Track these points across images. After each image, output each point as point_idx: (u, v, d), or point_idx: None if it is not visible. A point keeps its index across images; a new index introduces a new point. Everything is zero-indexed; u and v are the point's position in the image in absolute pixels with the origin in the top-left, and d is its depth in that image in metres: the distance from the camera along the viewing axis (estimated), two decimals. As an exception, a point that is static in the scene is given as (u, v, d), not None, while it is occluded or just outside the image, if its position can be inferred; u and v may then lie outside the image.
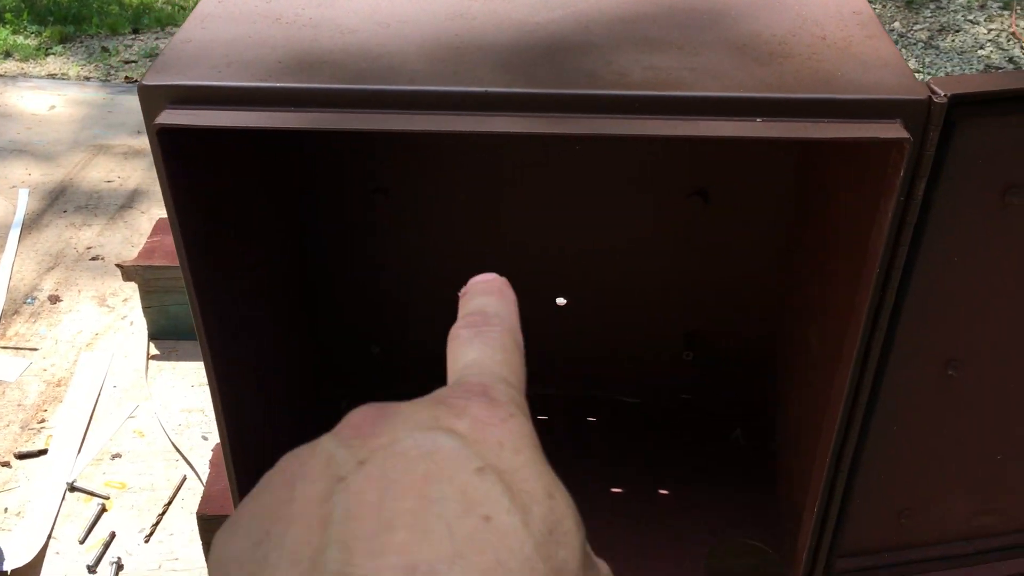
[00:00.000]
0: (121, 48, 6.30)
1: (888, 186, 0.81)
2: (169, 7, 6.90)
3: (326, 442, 0.34)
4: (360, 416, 0.36)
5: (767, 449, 1.31)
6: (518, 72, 0.82)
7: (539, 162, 1.20)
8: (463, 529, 0.30)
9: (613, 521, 1.24)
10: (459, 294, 0.47)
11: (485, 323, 0.43)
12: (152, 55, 6.20)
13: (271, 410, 1.18)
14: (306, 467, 0.33)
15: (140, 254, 1.68)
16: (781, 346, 1.24)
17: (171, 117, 0.79)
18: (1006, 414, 1.05)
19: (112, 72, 3.35)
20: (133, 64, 6.39)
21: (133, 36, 6.56)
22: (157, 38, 6.80)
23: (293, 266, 1.27)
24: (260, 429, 1.10)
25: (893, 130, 0.77)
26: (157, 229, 1.75)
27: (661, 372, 1.36)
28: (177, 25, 6.51)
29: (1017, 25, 3.23)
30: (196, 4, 0.92)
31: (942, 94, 0.78)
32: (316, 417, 1.36)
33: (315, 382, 1.38)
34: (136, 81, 3.81)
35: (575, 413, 1.37)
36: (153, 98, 0.80)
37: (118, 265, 1.67)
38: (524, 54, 0.84)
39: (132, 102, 2.53)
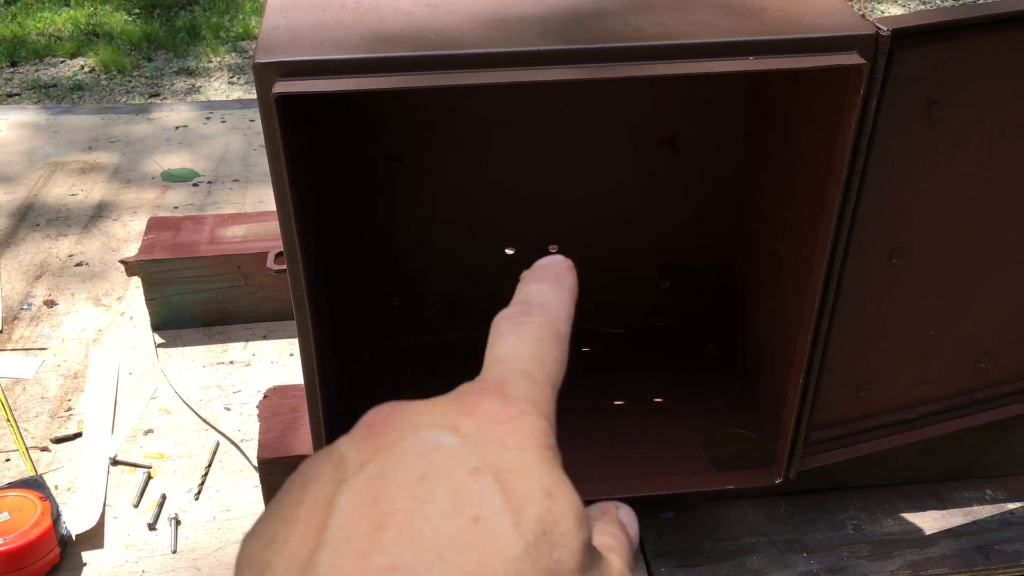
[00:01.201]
0: (1, 82, 6.18)
1: (850, 104, 1.04)
2: (43, 39, 6.79)
3: (340, 444, 0.35)
4: (373, 415, 0.37)
5: (740, 352, 1.54)
6: (557, 34, 1.02)
7: (534, 128, 1.41)
8: (450, 530, 0.30)
9: (613, 428, 1.45)
10: (521, 277, 0.46)
11: (526, 313, 0.43)
12: (35, 86, 6.09)
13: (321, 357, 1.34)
14: (319, 469, 0.34)
15: (141, 250, 1.80)
16: (749, 263, 1.47)
17: (287, 87, 0.96)
18: (938, 295, 1.30)
19: None
20: (17, 97, 6.30)
21: (12, 69, 6.43)
22: (37, 69, 6.68)
23: (331, 228, 1.44)
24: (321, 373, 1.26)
25: (853, 58, 1.01)
26: (151, 227, 1.87)
27: (643, 302, 1.58)
28: (54, 55, 6.40)
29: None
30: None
31: (886, 29, 1.02)
32: (340, 367, 1.52)
33: (339, 333, 1.54)
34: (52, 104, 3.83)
35: (572, 345, 1.57)
36: (267, 73, 0.97)
37: (122, 261, 1.79)
38: (558, 21, 1.04)
39: (73, 120, 2.61)
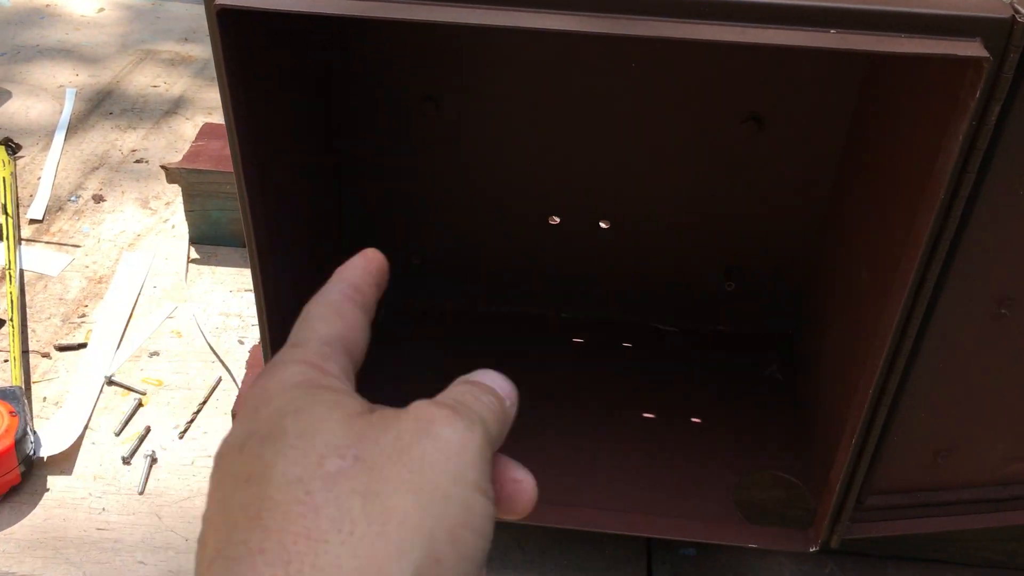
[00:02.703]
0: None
1: (961, 108, 0.78)
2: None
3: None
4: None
5: (801, 382, 1.30)
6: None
7: (591, 81, 1.18)
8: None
9: (642, 447, 1.24)
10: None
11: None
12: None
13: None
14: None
15: (185, 157, 1.68)
16: (826, 277, 1.22)
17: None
18: (1055, 358, 1.03)
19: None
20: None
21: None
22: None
23: (332, 172, 1.26)
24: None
25: (973, 48, 0.75)
26: (202, 134, 1.74)
27: (701, 301, 1.35)
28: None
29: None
30: None
31: (1025, 14, 0.75)
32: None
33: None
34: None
35: (612, 338, 1.36)
36: (213, -22, 0.78)
37: (163, 167, 1.67)
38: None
39: (178, 9, 2.51)
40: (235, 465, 0.37)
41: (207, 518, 0.37)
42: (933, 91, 0.87)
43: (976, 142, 0.82)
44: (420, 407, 0.39)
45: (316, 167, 1.20)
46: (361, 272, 0.46)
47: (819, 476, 1.16)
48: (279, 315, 1.02)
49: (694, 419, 1.27)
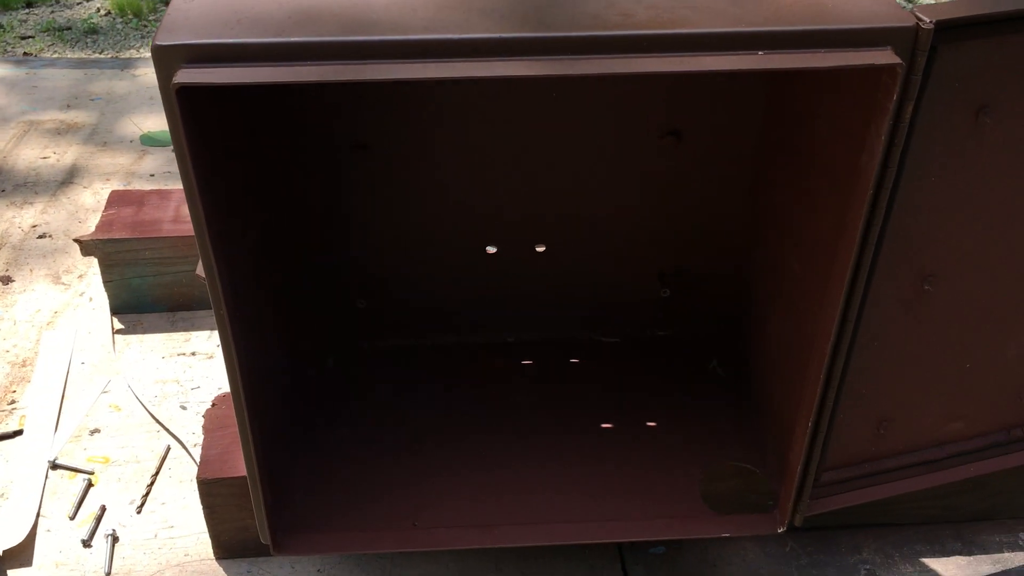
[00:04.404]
0: (16, 23, 6.03)
1: (881, 110, 0.86)
2: (62, -21, 6.56)
3: None
4: None
5: (744, 375, 1.37)
6: (525, 18, 0.84)
7: (516, 114, 1.23)
8: None
9: (604, 456, 1.29)
10: None
11: None
12: (49, 29, 5.95)
13: (263, 367, 1.19)
14: None
15: (98, 227, 1.65)
16: (757, 275, 1.29)
17: (189, 76, 0.79)
18: (975, 324, 1.12)
19: (9, 48, 3.23)
20: (31, 39, 6.14)
21: (27, 10, 6.27)
22: (52, 11, 6.53)
23: (278, 223, 1.27)
24: (256, 386, 1.11)
25: (886, 56, 0.82)
26: (111, 202, 1.72)
27: (640, 310, 1.41)
28: (71, -4, 6.17)
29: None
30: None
31: (928, 20, 0.83)
32: (304, 373, 1.37)
33: (301, 337, 1.39)
34: (34, 56, 3.69)
35: (559, 356, 1.41)
36: (169, 58, 0.80)
37: (76, 240, 1.64)
38: (530, 2, 0.86)
39: (55, 76, 2.46)
40: None
41: None
42: (848, 97, 0.94)
43: (894, 139, 0.89)
44: None
45: (263, 225, 1.21)
46: None
47: (775, 461, 1.23)
48: (248, 375, 1.03)
49: (649, 423, 1.32)
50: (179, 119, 0.81)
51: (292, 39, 0.80)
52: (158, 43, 0.80)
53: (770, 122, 1.21)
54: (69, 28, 5.95)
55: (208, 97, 0.93)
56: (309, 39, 0.80)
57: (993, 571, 1.32)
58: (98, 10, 6.08)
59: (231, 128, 1.06)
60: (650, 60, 0.81)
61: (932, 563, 1.34)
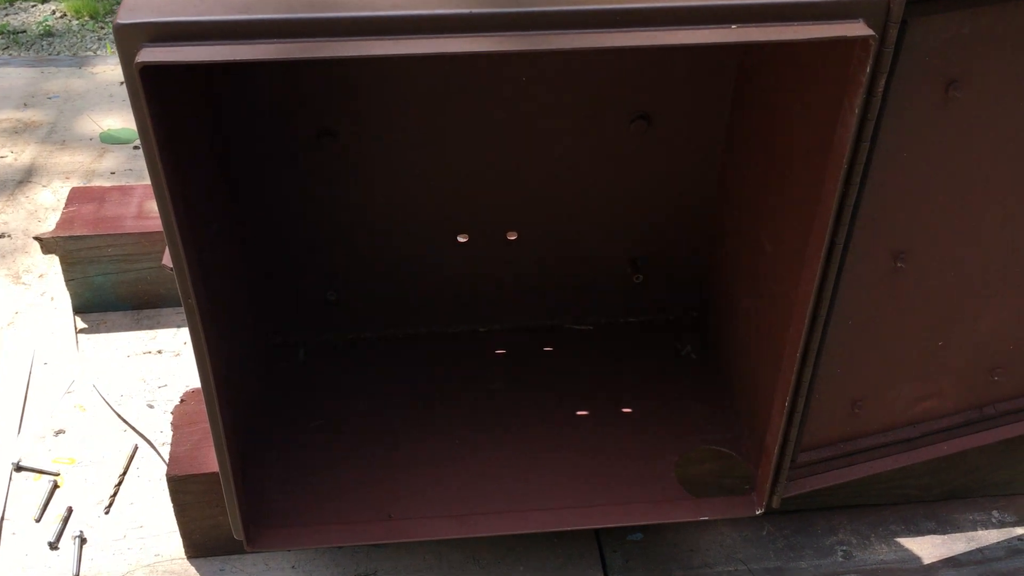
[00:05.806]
0: (-36, 22, 5.84)
1: (854, 83, 0.85)
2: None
3: None
4: None
5: (716, 358, 1.37)
6: (495, -7, 0.82)
7: (485, 99, 1.21)
8: None
9: (580, 443, 1.28)
10: None
11: None
12: (3, 32, 5.86)
13: (233, 360, 1.17)
14: None
15: (59, 225, 1.62)
16: (728, 256, 1.29)
17: (152, 55, 0.77)
18: (948, 301, 1.13)
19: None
20: (-22, 38, 5.89)
21: (-28, 10, 6.04)
22: (6, 14, 6.45)
23: (245, 212, 1.25)
24: (227, 380, 1.09)
25: (859, 28, 0.82)
26: (72, 199, 1.68)
27: (612, 296, 1.40)
28: (25, -1, 6.09)
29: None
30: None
31: (899, -8, 0.83)
32: (275, 366, 1.35)
33: (273, 330, 1.37)
34: None
35: (532, 344, 1.40)
36: (131, 37, 0.77)
37: (36, 238, 1.61)
38: (497, -24, 0.85)
39: (11, 75, 2.41)
40: None
41: None
42: (822, 70, 0.94)
43: (867, 112, 0.89)
44: None
45: (231, 215, 1.19)
46: None
47: (751, 443, 1.23)
48: (219, 366, 1.01)
49: (624, 409, 1.32)
50: (143, 100, 0.79)
51: (256, 16, 0.78)
52: (120, 22, 0.78)
53: (740, 103, 1.20)
54: (24, 31, 5.87)
55: (173, 81, 0.91)
56: (274, 16, 0.78)
57: (967, 549, 1.33)
58: (53, 12, 6.00)
59: (196, 113, 1.04)
60: (622, 35, 0.80)
61: (907, 542, 1.34)
